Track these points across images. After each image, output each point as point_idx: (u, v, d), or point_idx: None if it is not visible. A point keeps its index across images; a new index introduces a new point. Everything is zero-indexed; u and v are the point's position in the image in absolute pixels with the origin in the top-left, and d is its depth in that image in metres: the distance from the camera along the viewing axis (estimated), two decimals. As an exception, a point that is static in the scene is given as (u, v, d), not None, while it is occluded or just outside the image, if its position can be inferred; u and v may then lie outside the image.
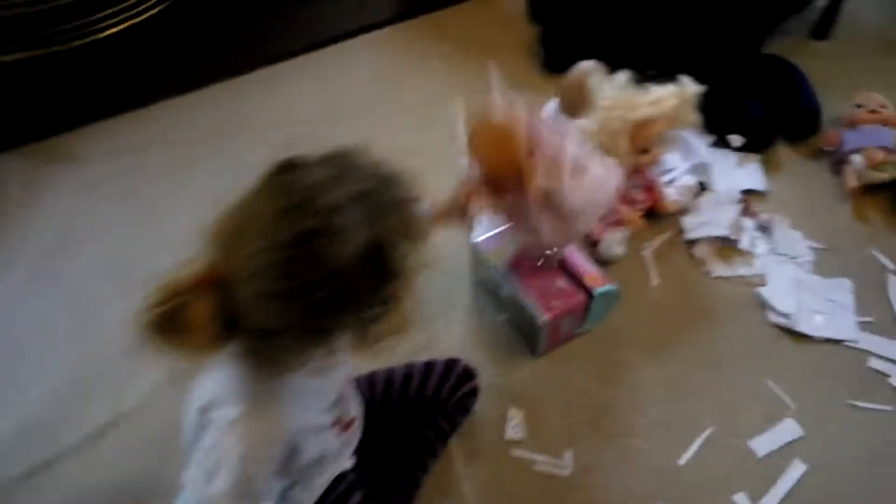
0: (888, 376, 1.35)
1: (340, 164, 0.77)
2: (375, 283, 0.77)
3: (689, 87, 1.49)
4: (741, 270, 1.54)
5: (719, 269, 1.55)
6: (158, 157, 1.86)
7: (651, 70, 1.54)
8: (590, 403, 1.33)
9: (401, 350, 1.14)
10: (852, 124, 1.75)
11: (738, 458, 1.25)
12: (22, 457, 1.28)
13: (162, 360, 0.75)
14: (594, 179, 1.11)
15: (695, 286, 1.53)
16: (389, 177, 0.79)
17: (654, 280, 1.54)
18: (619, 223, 1.57)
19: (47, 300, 1.55)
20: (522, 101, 1.07)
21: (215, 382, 0.84)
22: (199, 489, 0.80)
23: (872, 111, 1.75)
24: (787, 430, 1.28)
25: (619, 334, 1.43)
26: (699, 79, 1.51)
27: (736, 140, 1.75)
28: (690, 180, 1.67)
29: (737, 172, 1.72)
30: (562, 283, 1.35)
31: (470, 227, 1.15)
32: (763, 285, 1.50)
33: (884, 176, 1.65)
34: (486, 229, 1.39)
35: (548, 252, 1.30)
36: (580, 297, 1.34)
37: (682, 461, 1.24)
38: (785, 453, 1.25)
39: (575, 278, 1.36)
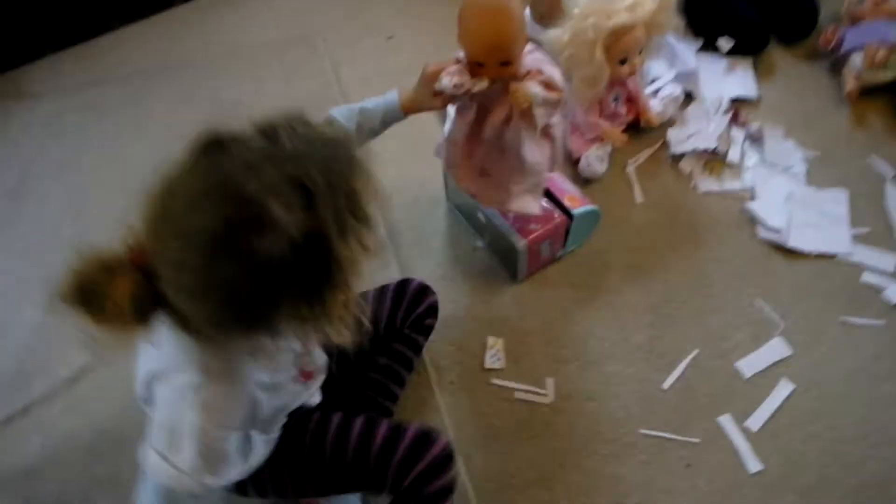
0: (882, 290, 1.30)
1: (276, 137, 0.66)
2: (314, 275, 0.68)
3: (668, -12, 1.38)
4: (730, 185, 1.49)
5: (707, 184, 1.49)
6: (114, 91, 1.80)
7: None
8: (571, 330, 1.30)
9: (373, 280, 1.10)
10: (853, 20, 1.65)
11: (724, 380, 1.22)
12: (-4, 403, 1.26)
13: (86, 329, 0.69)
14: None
15: (681, 203, 1.47)
16: (336, 148, 0.69)
17: (639, 198, 1.48)
18: (600, 139, 1.50)
19: (8, 245, 1.51)
20: None
21: (163, 352, 0.77)
22: (166, 461, 0.75)
23: (876, 4, 1.63)
24: (776, 349, 1.24)
25: (601, 257, 1.39)
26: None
27: (725, 43, 1.67)
28: (676, 90, 1.59)
29: (726, 79, 1.65)
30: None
31: (442, 108, 1.07)
32: (753, 199, 1.45)
33: (886, 75, 1.56)
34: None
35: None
36: (559, 219, 1.30)
37: (666, 385, 1.22)
38: (773, 373, 1.22)
39: (554, 199, 1.32)
